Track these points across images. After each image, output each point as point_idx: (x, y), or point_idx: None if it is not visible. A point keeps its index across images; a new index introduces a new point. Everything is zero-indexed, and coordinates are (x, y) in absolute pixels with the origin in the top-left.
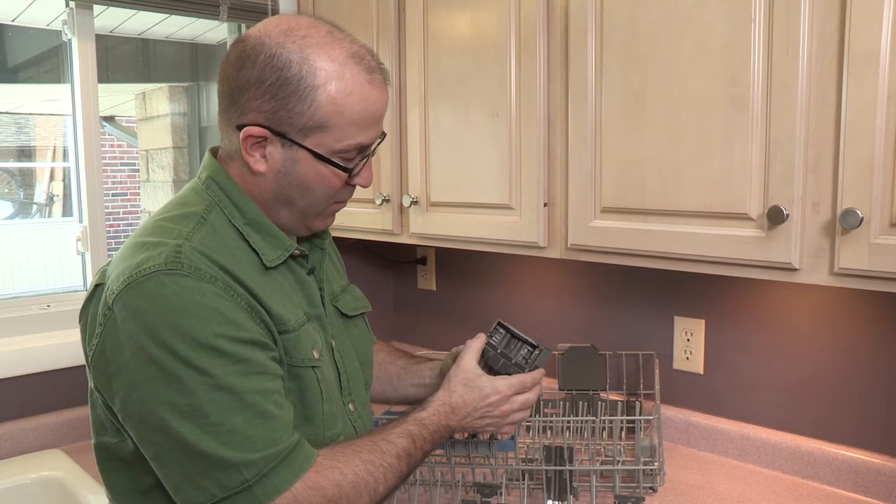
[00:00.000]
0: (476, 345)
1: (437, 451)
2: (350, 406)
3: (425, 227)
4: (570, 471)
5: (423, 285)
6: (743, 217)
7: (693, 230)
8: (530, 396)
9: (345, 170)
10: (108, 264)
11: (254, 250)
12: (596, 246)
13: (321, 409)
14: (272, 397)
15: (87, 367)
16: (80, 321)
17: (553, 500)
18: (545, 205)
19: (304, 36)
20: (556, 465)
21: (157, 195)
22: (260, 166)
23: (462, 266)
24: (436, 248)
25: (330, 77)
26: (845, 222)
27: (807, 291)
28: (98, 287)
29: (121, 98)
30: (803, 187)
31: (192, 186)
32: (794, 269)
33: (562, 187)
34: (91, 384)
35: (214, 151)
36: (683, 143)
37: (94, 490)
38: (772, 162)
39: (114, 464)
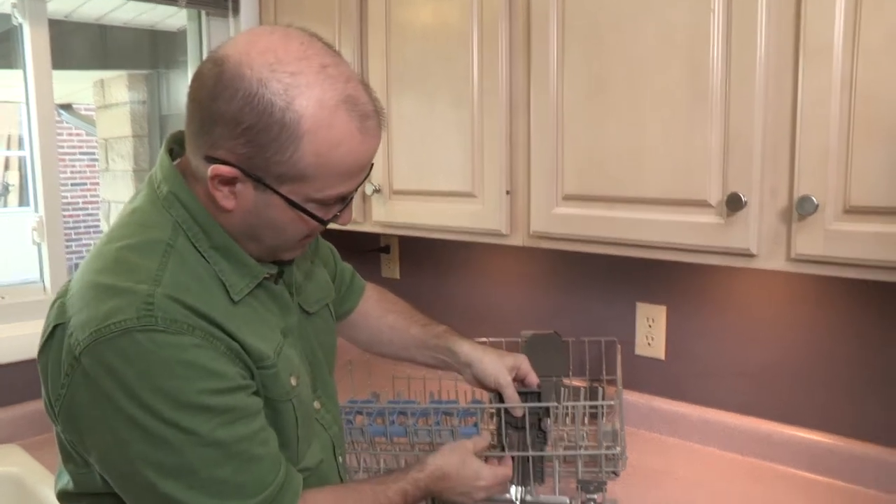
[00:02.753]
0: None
1: (401, 439)
2: (316, 404)
3: (388, 216)
4: (533, 456)
5: (387, 274)
6: (703, 204)
7: (655, 217)
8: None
9: (322, 221)
10: (66, 297)
11: (220, 280)
12: (558, 233)
13: (296, 435)
14: (258, 437)
15: (48, 409)
16: (38, 362)
17: (517, 486)
18: (508, 192)
19: (293, 73)
20: (519, 451)
21: (116, 185)
22: (228, 203)
23: (426, 254)
24: (399, 236)
25: (317, 126)
26: (801, 209)
27: (765, 277)
28: (57, 328)
29: (78, 85)
30: (761, 175)
31: (151, 200)
32: (753, 255)
33: (524, 175)
34: (57, 428)
35: (172, 152)
36: (646, 131)
37: (52, 485)
38: (731, 150)
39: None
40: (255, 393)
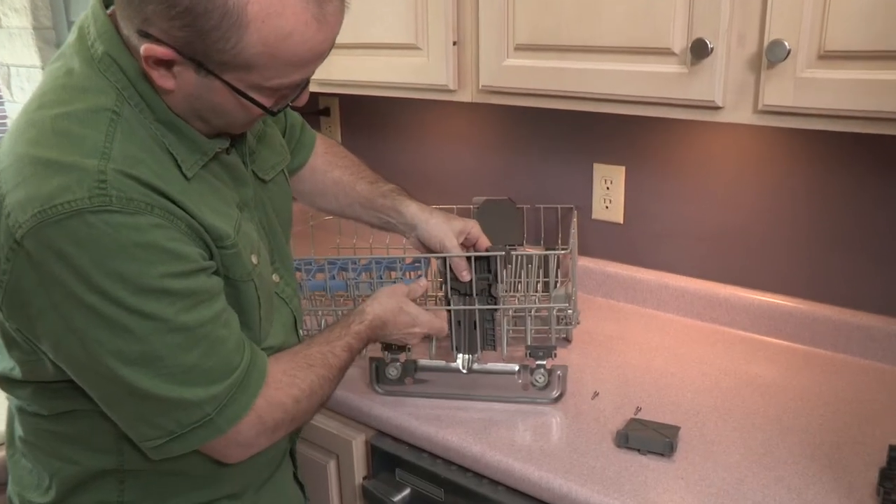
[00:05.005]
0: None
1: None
2: (275, 277)
3: (324, 72)
4: (481, 322)
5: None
6: (665, 52)
7: (612, 67)
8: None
9: (271, 112)
10: None
11: (171, 154)
12: (509, 87)
13: (258, 315)
14: (221, 318)
15: None
16: None
17: (464, 355)
18: (454, 43)
19: None
20: (463, 305)
21: (13, 45)
22: (166, 83)
23: (369, 116)
24: (339, 96)
25: (265, 14)
26: (772, 55)
27: (730, 133)
28: None
29: None
30: (730, 18)
31: (86, 60)
32: (718, 108)
33: (472, 24)
34: None
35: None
36: None
37: None
38: None
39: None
40: (216, 273)
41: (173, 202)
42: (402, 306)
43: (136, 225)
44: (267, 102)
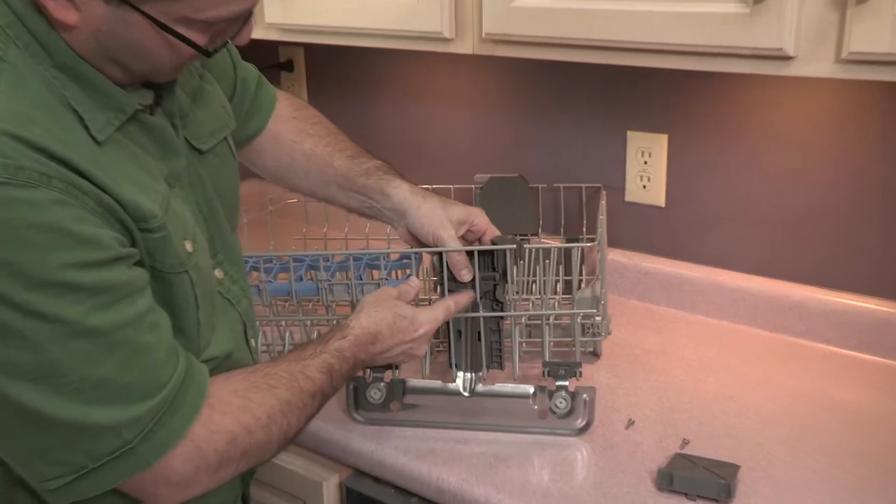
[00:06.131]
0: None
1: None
2: (218, 272)
3: (286, 16)
4: (487, 334)
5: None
6: None
7: (650, 8)
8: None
9: (205, 51)
10: None
11: (75, 111)
12: (520, 35)
13: (195, 318)
14: (146, 321)
15: None
16: None
17: (464, 373)
18: None
19: None
20: (465, 312)
21: None
22: (67, 16)
23: (341, 71)
24: (305, 46)
25: None
26: None
27: (804, 89)
28: None
29: None
30: None
31: None
32: (788, 58)
33: None
34: None
35: None
36: None
37: None
38: None
39: None
40: (139, 263)
41: (79, 173)
42: (395, 311)
43: (30, 201)
44: (200, 40)
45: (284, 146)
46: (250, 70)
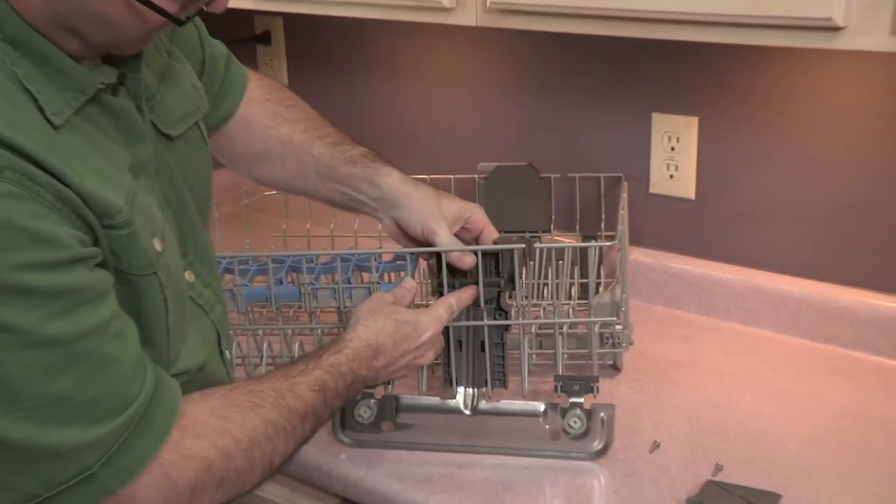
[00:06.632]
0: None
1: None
2: (188, 275)
3: None
4: (491, 343)
5: (269, 75)
6: None
7: None
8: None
9: (177, 20)
10: None
11: (28, 91)
12: (529, 4)
13: (165, 325)
14: (110, 329)
15: None
16: None
17: (465, 388)
18: None
19: None
20: (466, 321)
21: None
22: None
23: (326, 45)
24: (284, 16)
25: None
26: None
27: (855, 65)
28: None
29: None
30: None
31: None
32: (837, 28)
33: None
34: None
35: None
36: None
37: None
38: None
39: None
40: (102, 264)
41: (33, 162)
42: (394, 317)
43: None
44: (170, 7)
45: (257, 132)
46: (218, 47)
